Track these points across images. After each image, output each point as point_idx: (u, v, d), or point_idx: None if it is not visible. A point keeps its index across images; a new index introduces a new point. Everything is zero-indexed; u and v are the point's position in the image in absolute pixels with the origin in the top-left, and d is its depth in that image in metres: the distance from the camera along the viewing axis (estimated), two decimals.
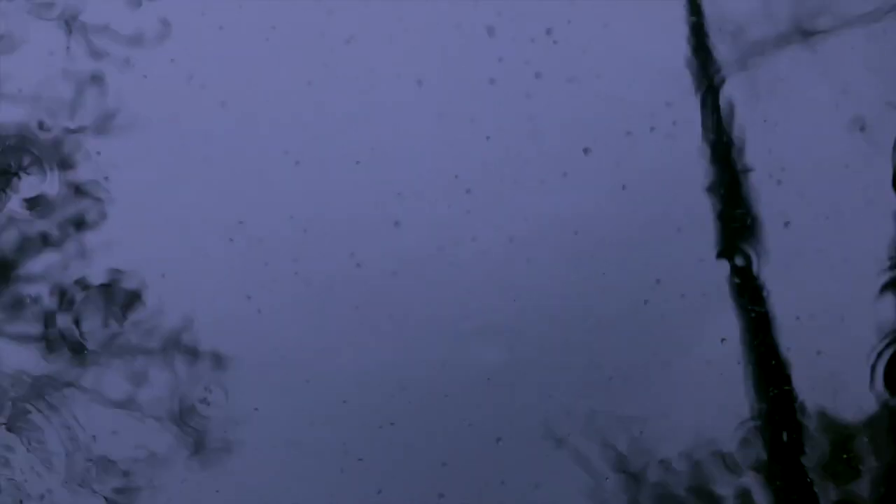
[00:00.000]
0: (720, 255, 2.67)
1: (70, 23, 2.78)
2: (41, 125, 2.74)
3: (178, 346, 2.66)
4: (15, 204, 2.72)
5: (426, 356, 2.65)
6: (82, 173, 2.73)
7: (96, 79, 2.75)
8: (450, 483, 2.61)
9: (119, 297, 2.69)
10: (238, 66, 2.76)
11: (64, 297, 2.68)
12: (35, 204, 2.73)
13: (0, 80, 2.75)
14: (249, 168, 2.72)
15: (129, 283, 2.69)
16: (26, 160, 2.74)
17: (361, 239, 2.69)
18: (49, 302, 2.69)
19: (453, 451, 2.62)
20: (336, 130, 2.74)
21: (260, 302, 2.68)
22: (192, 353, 2.67)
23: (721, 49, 2.75)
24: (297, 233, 2.70)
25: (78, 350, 2.66)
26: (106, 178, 2.72)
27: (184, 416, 2.64)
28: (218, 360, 2.66)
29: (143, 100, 2.74)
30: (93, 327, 2.68)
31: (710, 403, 2.62)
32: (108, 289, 2.69)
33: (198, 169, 2.73)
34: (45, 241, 2.71)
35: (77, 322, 2.68)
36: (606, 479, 2.61)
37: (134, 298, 2.68)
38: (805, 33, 2.75)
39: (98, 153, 2.72)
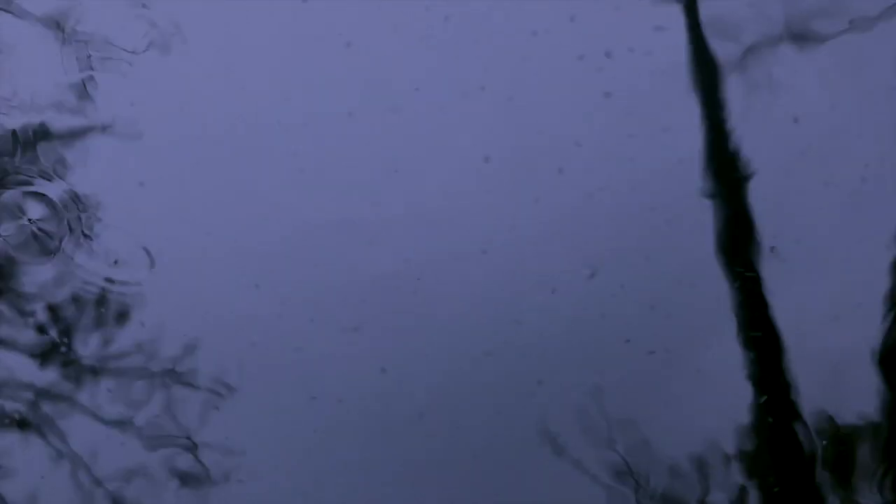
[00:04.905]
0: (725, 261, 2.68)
1: (69, 29, 2.78)
2: (43, 132, 2.74)
3: (176, 372, 2.65)
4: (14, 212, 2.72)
5: (425, 358, 2.65)
6: (83, 182, 2.73)
7: (96, 85, 2.75)
8: (449, 485, 2.61)
9: (114, 312, 2.67)
10: (243, 72, 2.77)
11: (59, 310, 2.67)
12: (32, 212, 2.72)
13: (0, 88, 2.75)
14: (253, 181, 2.73)
15: (126, 299, 2.68)
16: (26, 167, 2.73)
17: (363, 243, 2.70)
18: (44, 314, 2.68)
19: (454, 454, 2.62)
20: (336, 138, 2.74)
21: (262, 318, 2.68)
22: (191, 377, 2.66)
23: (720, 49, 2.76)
24: (297, 242, 2.71)
25: (71, 365, 2.65)
26: (107, 188, 2.72)
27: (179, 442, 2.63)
28: (218, 384, 2.65)
29: (145, 107, 2.75)
30: (87, 342, 2.66)
31: (713, 406, 2.63)
32: (104, 303, 2.68)
33: (201, 179, 2.73)
34: (44, 250, 2.70)
35: (70, 335, 2.66)
36: (605, 481, 2.61)
37: (126, 312, 2.66)
38: (800, 36, 2.76)
39: (99, 162, 2.73)
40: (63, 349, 2.66)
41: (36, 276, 2.70)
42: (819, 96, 2.74)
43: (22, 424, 2.64)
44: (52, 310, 2.67)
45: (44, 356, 2.66)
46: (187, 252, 2.71)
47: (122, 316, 2.67)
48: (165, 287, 2.69)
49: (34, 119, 2.74)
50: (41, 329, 2.67)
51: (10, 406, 2.65)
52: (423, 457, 2.62)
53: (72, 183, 2.73)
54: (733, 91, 2.74)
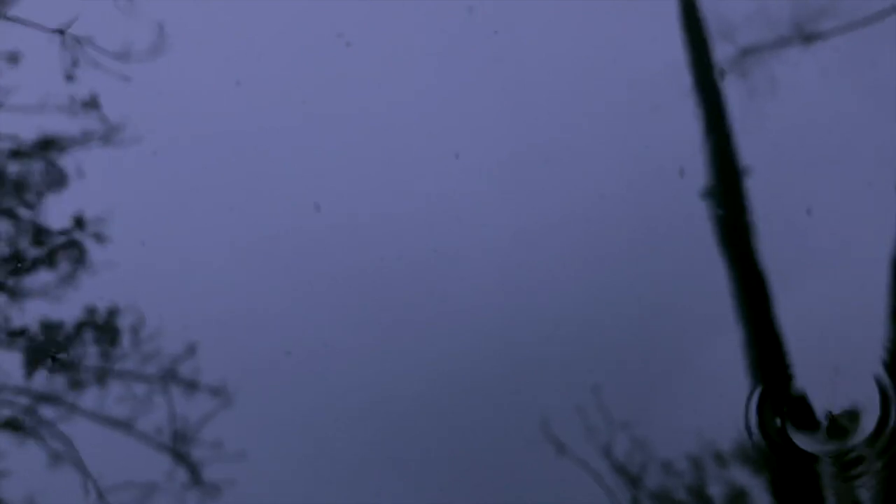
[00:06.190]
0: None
1: (71, 37, 2.80)
2: (43, 138, 2.75)
3: (177, 375, 2.64)
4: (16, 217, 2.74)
5: (425, 357, 2.64)
6: (84, 187, 2.74)
7: (98, 94, 2.77)
8: (449, 485, 2.60)
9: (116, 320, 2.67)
10: (240, 73, 2.79)
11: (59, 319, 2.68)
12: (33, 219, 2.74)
13: (3, 94, 2.77)
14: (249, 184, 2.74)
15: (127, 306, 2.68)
16: (27, 174, 2.75)
17: (362, 239, 2.70)
18: (45, 322, 2.68)
19: (454, 453, 2.61)
20: (333, 132, 2.76)
21: (262, 318, 2.68)
22: (192, 383, 2.65)
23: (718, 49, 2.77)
24: (296, 242, 2.71)
25: (73, 371, 2.65)
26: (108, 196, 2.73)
27: (180, 446, 2.61)
28: (218, 390, 2.64)
29: (143, 109, 2.76)
30: (89, 349, 2.66)
31: (713, 406, 2.61)
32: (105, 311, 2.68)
33: (203, 183, 2.74)
34: (45, 259, 2.71)
35: (72, 342, 2.66)
36: (605, 481, 2.59)
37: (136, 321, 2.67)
38: (802, 36, 2.76)
39: (100, 167, 2.74)
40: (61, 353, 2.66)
41: (34, 286, 2.71)
42: (820, 96, 2.74)
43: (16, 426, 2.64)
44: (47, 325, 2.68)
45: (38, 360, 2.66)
46: (188, 253, 2.72)
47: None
48: (166, 289, 2.70)
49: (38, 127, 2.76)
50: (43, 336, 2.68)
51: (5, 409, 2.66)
52: (423, 455, 2.61)
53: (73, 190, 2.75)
54: (734, 91, 2.75)
